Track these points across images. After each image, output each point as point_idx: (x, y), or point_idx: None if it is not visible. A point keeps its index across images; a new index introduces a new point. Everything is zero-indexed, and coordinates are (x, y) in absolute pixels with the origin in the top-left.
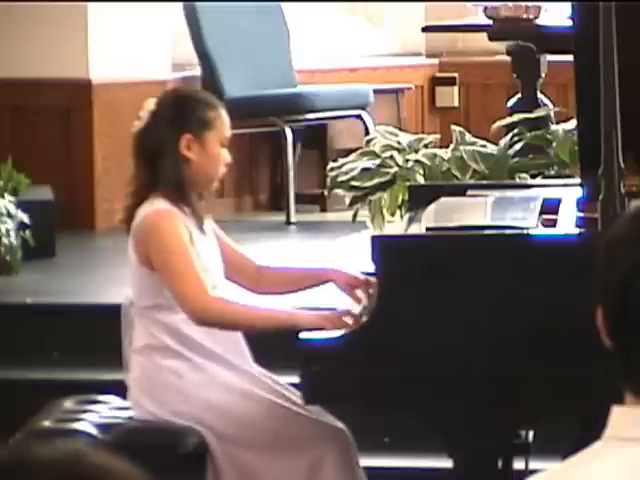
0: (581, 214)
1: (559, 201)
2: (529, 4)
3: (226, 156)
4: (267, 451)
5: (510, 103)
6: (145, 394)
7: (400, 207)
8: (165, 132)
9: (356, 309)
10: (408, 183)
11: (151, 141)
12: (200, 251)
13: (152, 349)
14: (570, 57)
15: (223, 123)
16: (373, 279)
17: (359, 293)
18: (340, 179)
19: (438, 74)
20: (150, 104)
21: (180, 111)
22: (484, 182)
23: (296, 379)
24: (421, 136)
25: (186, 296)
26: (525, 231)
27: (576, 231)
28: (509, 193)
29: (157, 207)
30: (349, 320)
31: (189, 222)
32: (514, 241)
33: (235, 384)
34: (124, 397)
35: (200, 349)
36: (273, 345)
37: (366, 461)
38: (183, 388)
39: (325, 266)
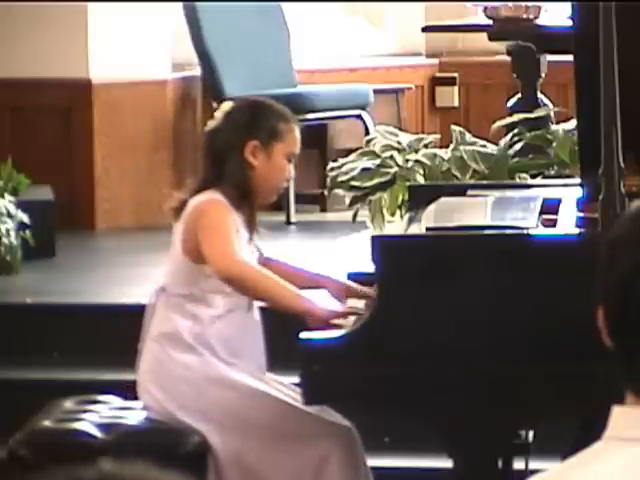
0: (581, 214)
1: (559, 201)
2: (529, 4)
3: (290, 170)
4: (272, 449)
5: (510, 103)
6: (154, 383)
7: (400, 207)
8: (234, 135)
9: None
10: (408, 183)
11: (219, 141)
12: (242, 247)
13: (167, 339)
14: (570, 57)
15: (293, 138)
16: (369, 290)
17: (352, 302)
18: (340, 179)
19: (438, 74)
20: (227, 106)
21: (253, 117)
22: (484, 182)
23: (296, 379)
24: (421, 136)
25: (216, 250)
26: (525, 231)
27: (576, 231)
28: (509, 193)
29: (212, 197)
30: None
31: (240, 224)
32: (514, 241)
33: (244, 382)
34: (124, 397)
35: (215, 347)
36: (273, 345)
37: (367, 461)
38: (193, 382)
39: (324, 273)
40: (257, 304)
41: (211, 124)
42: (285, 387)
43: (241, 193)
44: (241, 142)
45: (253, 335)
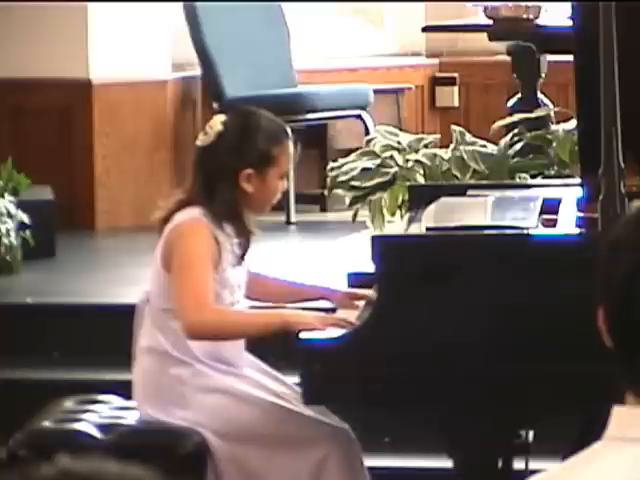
0: (581, 214)
1: (559, 201)
2: (529, 4)
3: (283, 186)
4: (270, 452)
5: (510, 103)
6: (147, 398)
7: (400, 207)
8: (227, 161)
9: (352, 316)
10: (408, 183)
11: (212, 162)
12: (226, 269)
13: (155, 353)
14: (570, 57)
15: (287, 157)
16: (368, 293)
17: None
18: (340, 179)
19: (438, 74)
20: (218, 123)
21: (245, 142)
22: (484, 182)
23: (296, 379)
24: (421, 136)
25: (179, 308)
26: (525, 231)
27: (576, 231)
28: (509, 193)
29: (194, 216)
30: (344, 323)
31: (227, 241)
32: (514, 241)
33: (237, 389)
34: (124, 397)
35: (201, 356)
36: (273, 345)
37: (366, 461)
38: (185, 394)
39: (319, 284)
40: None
41: (203, 140)
42: (283, 386)
43: (229, 213)
44: (235, 169)
45: (237, 345)
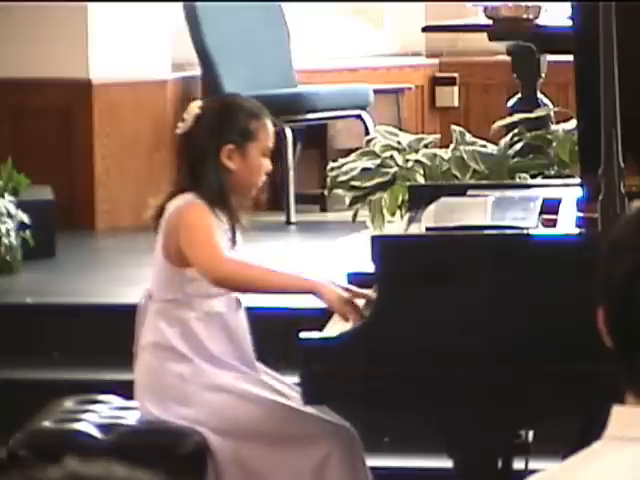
0: (581, 214)
1: (559, 201)
2: (529, 4)
3: (267, 165)
4: (271, 451)
5: (510, 103)
6: (149, 395)
7: (400, 207)
8: (207, 141)
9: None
10: (408, 183)
11: (193, 147)
12: (224, 249)
13: (158, 348)
14: (570, 57)
15: (266, 133)
16: (369, 293)
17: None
18: (340, 179)
19: (438, 74)
20: (194, 107)
21: (223, 121)
22: (484, 182)
23: (296, 379)
24: (421, 136)
25: (203, 256)
26: (525, 231)
27: (576, 231)
28: (509, 193)
29: (188, 201)
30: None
31: (220, 225)
32: (514, 241)
33: (238, 387)
34: (124, 397)
35: (206, 352)
36: (273, 345)
37: (366, 461)
38: (187, 391)
39: (313, 277)
40: (244, 305)
41: (182, 127)
42: (283, 385)
43: (219, 196)
44: (215, 147)
45: (241, 335)
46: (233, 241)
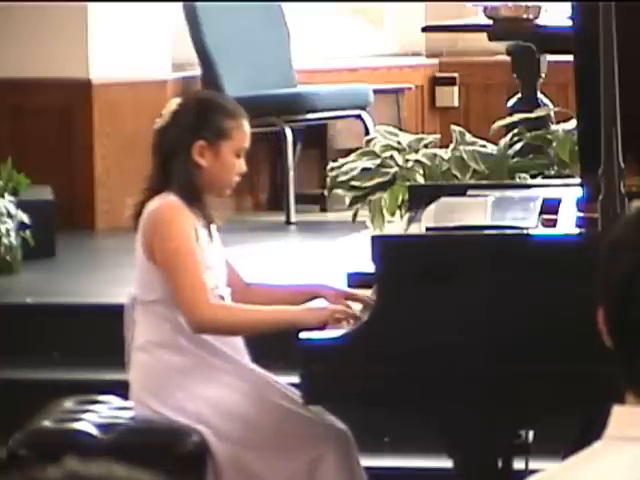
0: (581, 214)
1: (559, 201)
2: (529, 4)
3: (241, 165)
4: (267, 451)
5: (510, 103)
6: (147, 391)
7: (400, 207)
8: (180, 135)
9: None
10: (408, 183)
11: (167, 141)
12: (204, 249)
13: (155, 345)
14: (570, 57)
15: (241, 134)
16: (361, 293)
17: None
18: (340, 179)
19: (438, 74)
20: (173, 103)
21: (199, 117)
22: (484, 182)
23: (296, 379)
24: (421, 136)
25: (185, 303)
26: (525, 231)
27: (576, 231)
28: (509, 193)
29: (167, 200)
30: (350, 318)
31: (197, 222)
32: (514, 241)
33: (237, 383)
34: (124, 397)
35: (204, 345)
36: (273, 345)
37: (366, 461)
38: (185, 384)
39: (313, 282)
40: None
41: (159, 123)
42: (279, 385)
43: (190, 193)
44: (188, 143)
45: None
46: (209, 234)
